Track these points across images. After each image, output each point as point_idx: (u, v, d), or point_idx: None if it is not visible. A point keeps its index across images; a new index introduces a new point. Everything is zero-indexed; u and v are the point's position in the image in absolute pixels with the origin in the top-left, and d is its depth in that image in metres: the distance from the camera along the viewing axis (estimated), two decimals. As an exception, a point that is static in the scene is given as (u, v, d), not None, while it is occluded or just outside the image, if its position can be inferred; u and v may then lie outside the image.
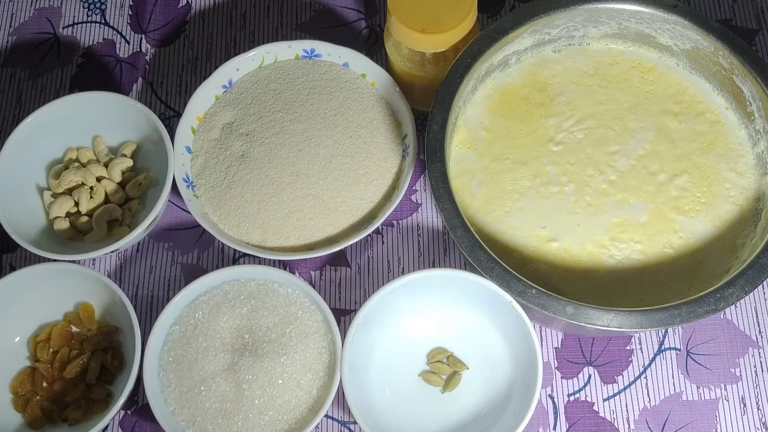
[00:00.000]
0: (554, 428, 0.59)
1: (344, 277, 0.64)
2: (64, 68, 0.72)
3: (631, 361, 0.61)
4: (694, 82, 0.61)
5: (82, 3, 0.74)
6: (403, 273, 0.62)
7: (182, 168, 0.63)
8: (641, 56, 0.62)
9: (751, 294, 0.60)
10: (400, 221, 0.65)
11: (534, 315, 0.55)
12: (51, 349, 0.60)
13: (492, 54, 0.59)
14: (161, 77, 0.71)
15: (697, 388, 0.60)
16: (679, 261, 0.56)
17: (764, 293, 0.63)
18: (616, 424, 0.59)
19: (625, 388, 0.60)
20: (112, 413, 0.55)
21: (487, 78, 0.61)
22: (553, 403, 0.60)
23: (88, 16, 0.74)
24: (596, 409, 0.60)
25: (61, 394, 0.59)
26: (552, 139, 0.60)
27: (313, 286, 0.63)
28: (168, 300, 0.60)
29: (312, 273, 0.64)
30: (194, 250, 0.65)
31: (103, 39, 0.73)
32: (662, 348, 0.61)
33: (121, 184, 0.65)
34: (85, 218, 0.63)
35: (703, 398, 0.59)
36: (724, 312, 0.62)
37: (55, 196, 0.64)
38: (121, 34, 0.73)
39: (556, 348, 0.61)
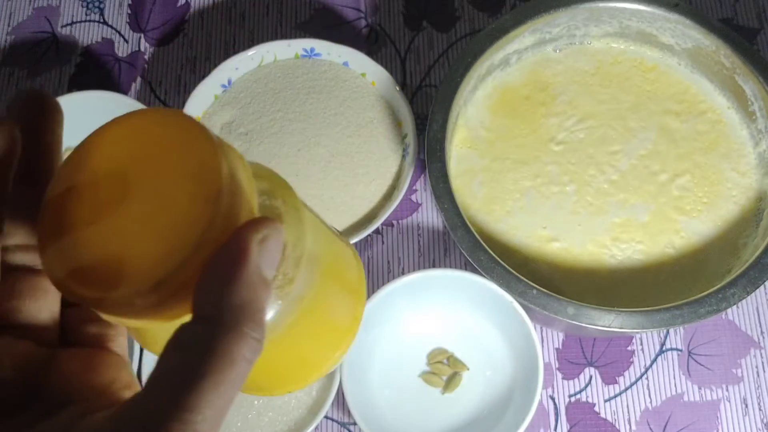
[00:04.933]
0: (555, 429, 0.59)
1: (344, 277, 0.64)
2: (63, 67, 0.71)
3: (633, 361, 0.60)
4: (696, 81, 0.61)
5: (80, 2, 0.74)
6: (403, 273, 0.61)
7: (181, 168, 0.62)
8: (642, 55, 0.62)
9: (753, 294, 0.60)
10: (400, 221, 0.65)
11: (535, 315, 0.55)
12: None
13: (493, 53, 0.58)
14: (160, 76, 0.71)
15: (699, 388, 0.59)
16: (680, 261, 0.56)
17: (766, 293, 0.62)
18: (617, 425, 0.59)
19: (626, 389, 0.60)
20: (111, 414, 0.55)
21: (488, 77, 0.61)
22: (554, 403, 0.59)
23: (86, 15, 0.74)
24: (597, 410, 0.59)
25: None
26: (553, 139, 0.59)
27: (313, 287, 0.62)
28: (167, 300, 0.60)
29: (311, 273, 0.64)
30: (193, 250, 0.65)
31: (102, 38, 0.73)
32: (664, 348, 0.61)
33: (120, 184, 0.64)
34: (83, 218, 0.63)
35: (704, 399, 0.59)
36: (726, 312, 0.61)
37: (53, 195, 0.63)
38: (119, 33, 0.73)
39: (557, 348, 0.61)
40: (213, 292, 0.22)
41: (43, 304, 0.25)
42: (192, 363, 0.21)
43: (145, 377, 0.56)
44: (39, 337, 0.25)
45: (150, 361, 0.56)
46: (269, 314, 0.24)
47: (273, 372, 0.28)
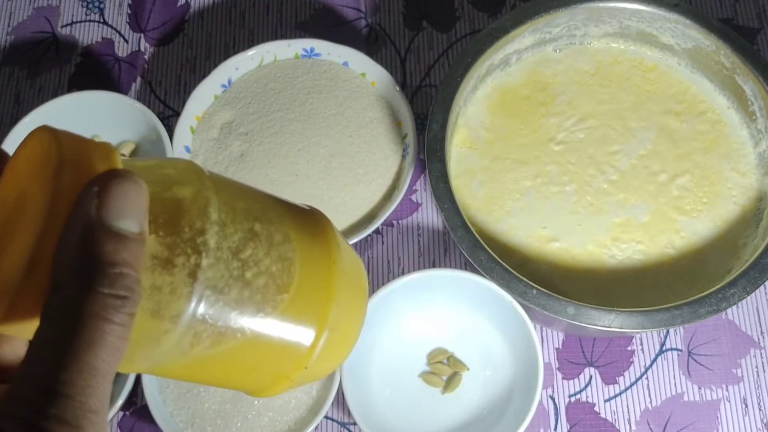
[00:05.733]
0: (555, 429, 0.59)
1: (344, 277, 0.63)
2: (63, 67, 0.71)
3: (633, 361, 0.60)
4: (696, 81, 0.61)
5: (80, 2, 0.74)
6: (403, 273, 0.61)
7: (181, 168, 0.62)
8: (642, 55, 0.62)
9: (752, 294, 0.60)
10: (400, 221, 0.65)
11: (535, 315, 0.55)
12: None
13: (492, 53, 0.58)
14: (160, 76, 0.71)
15: (699, 388, 0.59)
16: (680, 261, 0.56)
17: (766, 293, 0.62)
18: (617, 425, 0.59)
19: (626, 389, 0.60)
20: (111, 414, 0.55)
21: (488, 77, 0.61)
22: (554, 403, 0.59)
23: (86, 15, 0.74)
24: (597, 410, 0.59)
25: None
26: (553, 139, 0.59)
27: (313, 287, 0.62)
28: (167, 300, 0.59)
29: (311, 273, 0.64)
30: (193, 250, 0.65)
31: (102, 38, 0.73)
32: (663, 348, 0.61)
33: (120, 184, 0.64)
34: (83, 218, 0.63)
35: (704, 399, 0.59)
36: (726, 312, 0.61)
37: (53, 195, 0.63)
38: (119, 33, 0.73)
39: (557, 348, 0.61)
40: (60, 257, 0.21)
41: (8, 349, 0.25)
42: (51, 334, 0.20)
43: (145, 377, 0.56)
44: (5, 377, 0.25)
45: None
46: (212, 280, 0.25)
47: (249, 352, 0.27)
